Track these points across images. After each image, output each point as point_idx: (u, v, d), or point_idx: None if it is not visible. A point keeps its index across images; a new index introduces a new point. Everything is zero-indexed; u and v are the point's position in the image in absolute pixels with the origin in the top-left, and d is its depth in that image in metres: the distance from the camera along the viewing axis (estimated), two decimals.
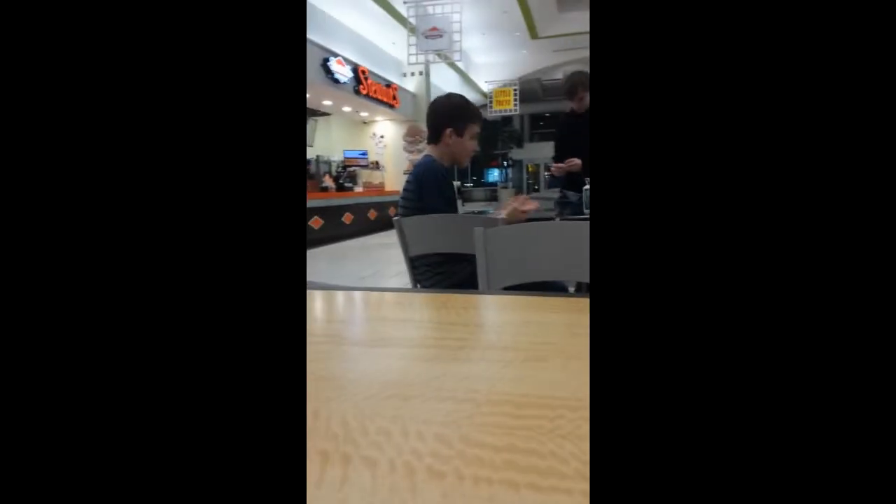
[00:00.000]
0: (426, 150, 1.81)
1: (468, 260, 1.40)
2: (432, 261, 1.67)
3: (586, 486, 0.29)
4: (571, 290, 1.79)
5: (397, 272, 4.85)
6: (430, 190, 1.71)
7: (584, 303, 0.71)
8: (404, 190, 1.75)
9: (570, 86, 2.52)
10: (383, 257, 6.14)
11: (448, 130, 1.72)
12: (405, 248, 1.61)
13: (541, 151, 18.10)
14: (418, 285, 1.72)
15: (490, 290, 1.04)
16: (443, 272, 1.67)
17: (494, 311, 0.72)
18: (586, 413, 0.37)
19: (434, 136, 1.75)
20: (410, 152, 10.43)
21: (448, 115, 1.74)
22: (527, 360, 0.48)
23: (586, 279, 1.16)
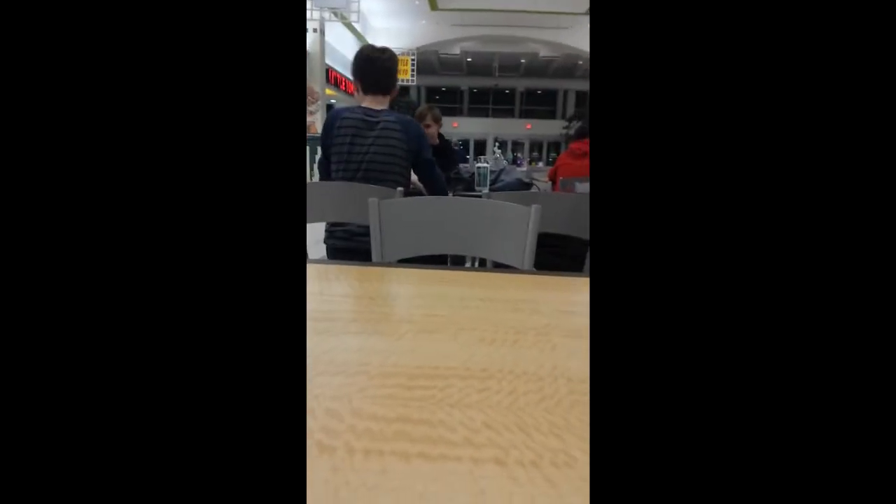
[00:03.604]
0: (367, 101, 1.54)
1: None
2: (351, 228, 1.58)
3: (474, 451, 0.30)
4: (468, 264, 1.84)
5: None
6: (427, 145, 1.55)
7: (475, 276, 0.73)
8: (375, 151, 1.48)
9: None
10: None
11: (398, 85, 1.62)
12: None
13: None
14: (327, 247, 1.61)
15: (384, 262, 1.04)
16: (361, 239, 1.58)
17: (388, 284, 0.71)
18: (474, 381, 0.39)
19: (387, 89, 1.55)
20: None
21: (396, 70, 1.62)
22: (420, 332, 0.49)
23: (477, 253, 1.20)
